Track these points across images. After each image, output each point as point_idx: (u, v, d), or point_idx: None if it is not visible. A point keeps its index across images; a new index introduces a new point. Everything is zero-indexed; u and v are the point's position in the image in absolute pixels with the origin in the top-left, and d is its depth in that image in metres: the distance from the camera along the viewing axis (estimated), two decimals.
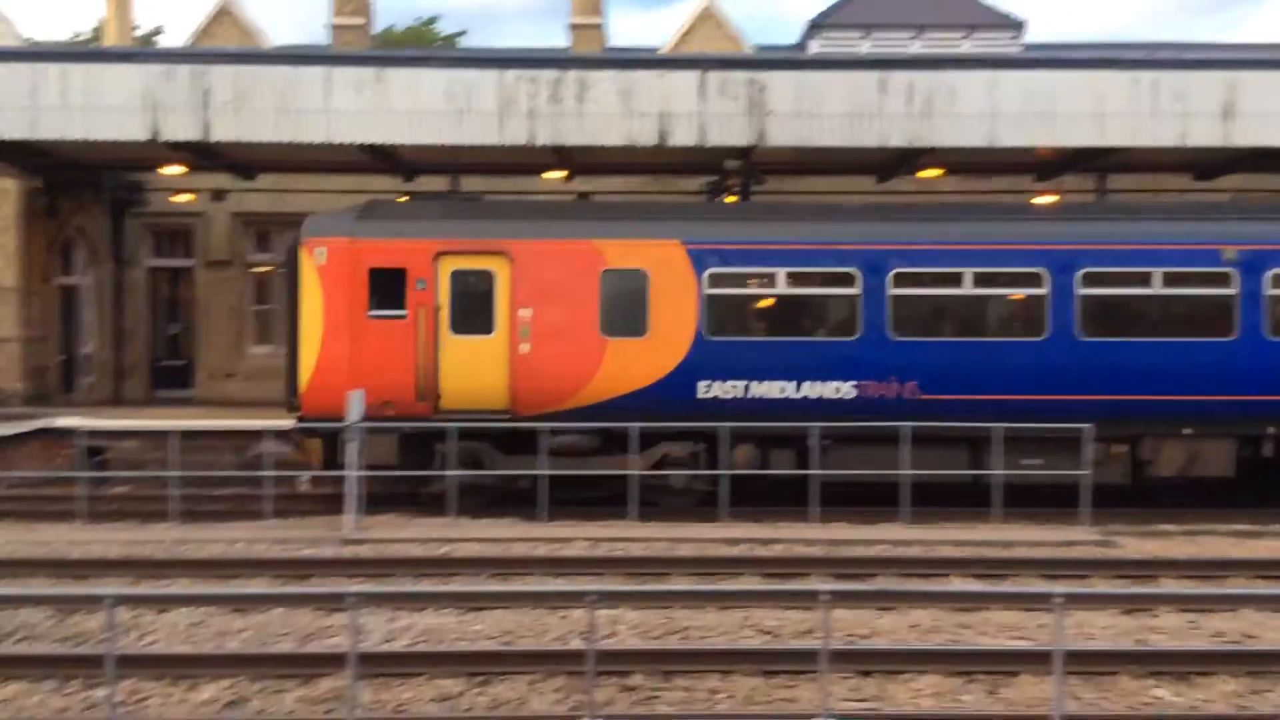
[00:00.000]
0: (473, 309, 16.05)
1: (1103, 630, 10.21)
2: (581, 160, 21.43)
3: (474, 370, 15.94)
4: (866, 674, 8.83)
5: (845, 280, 16.25)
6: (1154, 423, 16.12)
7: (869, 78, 18.23)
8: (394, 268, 15.92)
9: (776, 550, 13.41)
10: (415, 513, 15.80)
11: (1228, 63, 18.97)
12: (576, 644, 9.64)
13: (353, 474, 14.48)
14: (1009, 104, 18.18)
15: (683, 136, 18.22)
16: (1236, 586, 12.11)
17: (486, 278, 16.10)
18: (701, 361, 16.00)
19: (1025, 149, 18.83)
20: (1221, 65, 18.67)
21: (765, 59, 19.86)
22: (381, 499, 15.88)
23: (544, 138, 18.31)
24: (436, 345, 15.92)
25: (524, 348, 15.94)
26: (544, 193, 25.35)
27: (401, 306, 15.90)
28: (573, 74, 18.38)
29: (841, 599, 7.03)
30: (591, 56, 22.68)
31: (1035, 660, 8.84)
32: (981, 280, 16.32)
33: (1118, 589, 11.72)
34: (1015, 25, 28.75)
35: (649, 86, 18.28)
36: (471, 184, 23.62)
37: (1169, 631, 10.20)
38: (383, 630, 10.04)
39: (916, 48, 27.63)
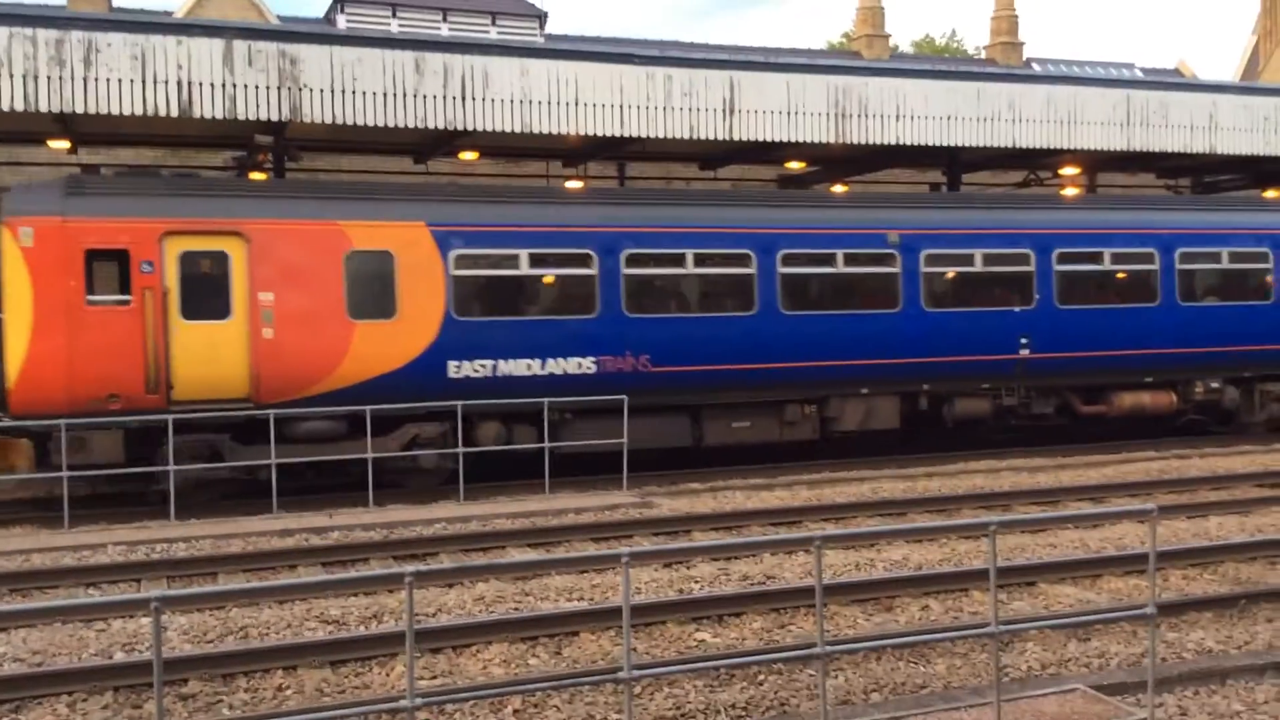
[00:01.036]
0: (206, 292, 15.08)
1: (648, 584, 11.02)
2: (90, 129, 19.51)
3: (210, 357, 15.01)
4: (436, 650, 8.93)
5: (583, 261, 16.82)
6: (838, 385, 18.11)
7: (406, 57, 18.12)
8: (115, 249, 14.71)
9: (333, 538, 13.12)
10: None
11: (728, 63, 20.84)
12: (121, 656, 8.92)
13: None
14: (539, 91, 18.88)
15: (209, 108, 17.13)
16: (754, 535, 13.55)
17: (221, 260, 15.23)
18: (451, 342, 16.01)
19: (556, 135, 19.63)
20: (724, 65, 20.52)
21: (296, 31, 19.05)
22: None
23: (46, 104, 16.45)
24: (166, 332, 14.80)
25: (267, 332, 15.19)
26: (43, 163, 22.92)
27: (125, 291, 14.73)
28: (77, 34, 16.61)
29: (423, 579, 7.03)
30: (98, 16, 20.55)
31: (593, 619, 9.42)
32: (700, 261, 17.51)
33: (663, 545, 12.61)
34: (538, 16, 29.89)
35: (168, 53, 16.96)
36: None
37: (704, 579, 11.22)
38: None
39: (445, 30, 27.90)
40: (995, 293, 19.23)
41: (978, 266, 19.13)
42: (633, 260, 17.16)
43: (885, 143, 20.74)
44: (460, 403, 15.71)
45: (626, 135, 19.66)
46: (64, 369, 14.39)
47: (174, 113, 16.97)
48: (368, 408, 15.20)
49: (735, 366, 17.38)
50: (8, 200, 14.83)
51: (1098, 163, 25.43)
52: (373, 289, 15.87)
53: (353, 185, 18.86)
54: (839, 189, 25.02)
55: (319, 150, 22.37)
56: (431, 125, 18.39)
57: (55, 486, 14.56)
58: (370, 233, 15.99)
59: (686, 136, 19.74)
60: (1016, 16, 36.40)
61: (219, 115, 17.21)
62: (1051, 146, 21.95)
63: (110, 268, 14.81)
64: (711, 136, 19.87)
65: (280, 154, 20.17)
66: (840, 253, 18.26)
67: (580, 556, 10.10)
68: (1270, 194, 26.88)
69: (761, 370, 17.55)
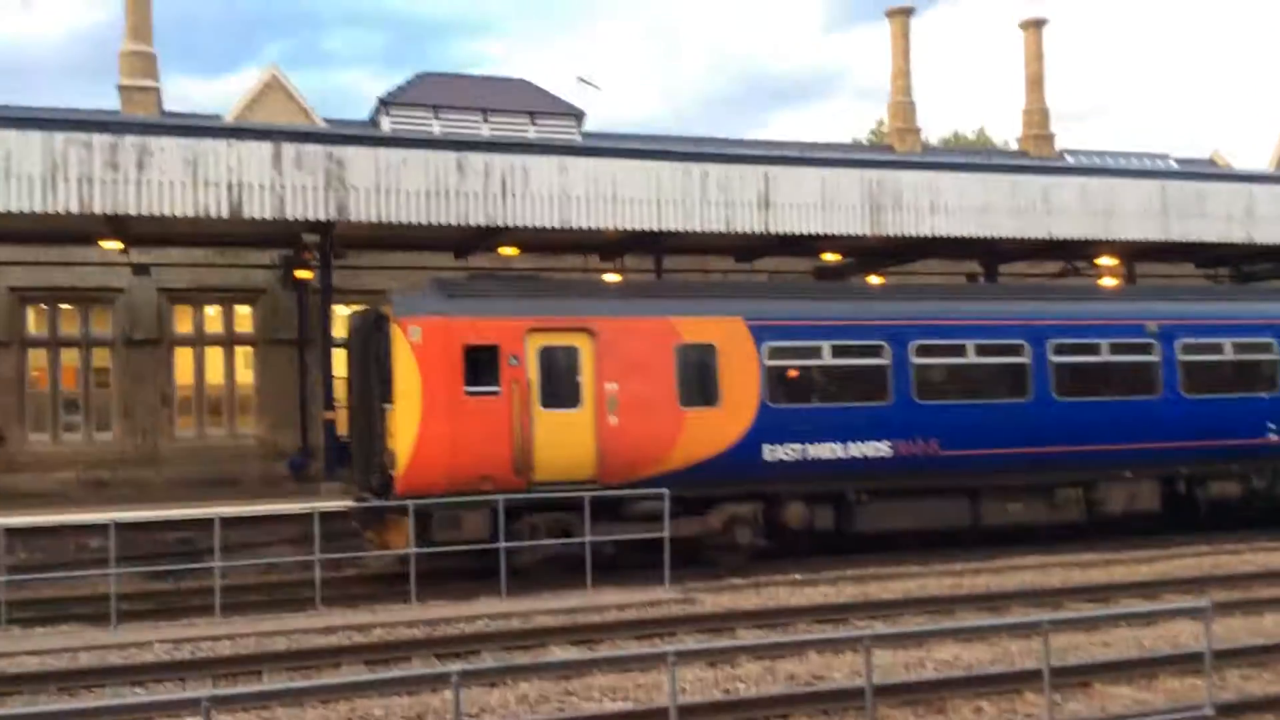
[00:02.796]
0: (561, 383, 16.37)
1: (692, 684, 10.85)
2: (142, 230, 20.05)
3: (564, 442, 16.18)
4: None
5: (876, 351, 17.87)
6: (1104, 469, 18.87)
7: (448, 158, 18.62)
8: (487, 344, 16.04)
9: (375, 635, 13.06)
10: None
11: (763, 158, 21.23)
12: None
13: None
14: (577, 187, 19.27)
15: (258, 208, 17.60)
16: (799, 633, 13.36)
17: (572, 354, 16.49)
18: (766, 427, 17.01)
19: (594, 230, 19.96)
20: (758, 160, 20.89)
21: (342, 134, 19.66)
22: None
23: (100, 206, 16.98)
24: (530, 419, 15.96)
25: (612, 419, 16.36)
26: (96, 264, 23.53)
27: (496, 383, 16.01)
28: (130, 139, 17.22)
29: (472, 677, 7.02)
30: (151, 121, 21.33)
31: None
32: (980, 350, 18.56)
33: (708, 642, 12.44)
34: (576, 114, 30.52)
35: (218, 155, 17.51)
36: (11, 253, 21.44)
37: (750, 678, 11.04)
38: None
39: (486, 131, 28.55)
40: (1243, 379, 20.02)
41: (1228, 355, 19.98)
42: (921, 350, 18.10)
43: (920, 234, 20.93)
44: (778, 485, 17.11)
45: (663, 229, 20.00)
46: (447, 453, 15.66)
47: (224, 214, 17.48)
48: (703, 488, 16.63)
49: (1012, 450, 18.17)
50: (399, 302, 16.17)
51: (1135, 253, 25.48)
52: (699, 379, 17.02)
53: (681, 285, 20.92)
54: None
55: (363, 247, 22.82)
56: (473, 222, 18.83)
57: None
58: (697, 327, 17.13)
59: (722, 230, 20.09)
60: (1047, 110, 36.78)
61: (268, 215, 17.71)
62: (1087, 237, 22.05)
63: (483, 362, 16.06)
64: (747, 229, 20.21)
65: (326, 252, 20.60)
66: (1104, 342, 19.17)
67: (625, 655, 10.01)
68: None
69: (1035, 454, 18.32)
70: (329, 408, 20.94)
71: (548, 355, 16.38)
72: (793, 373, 17.72)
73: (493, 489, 15.61)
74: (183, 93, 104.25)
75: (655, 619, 13.65)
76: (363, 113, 30.67)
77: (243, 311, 25.84)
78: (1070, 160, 34.07)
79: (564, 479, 16.08)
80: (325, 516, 15.63)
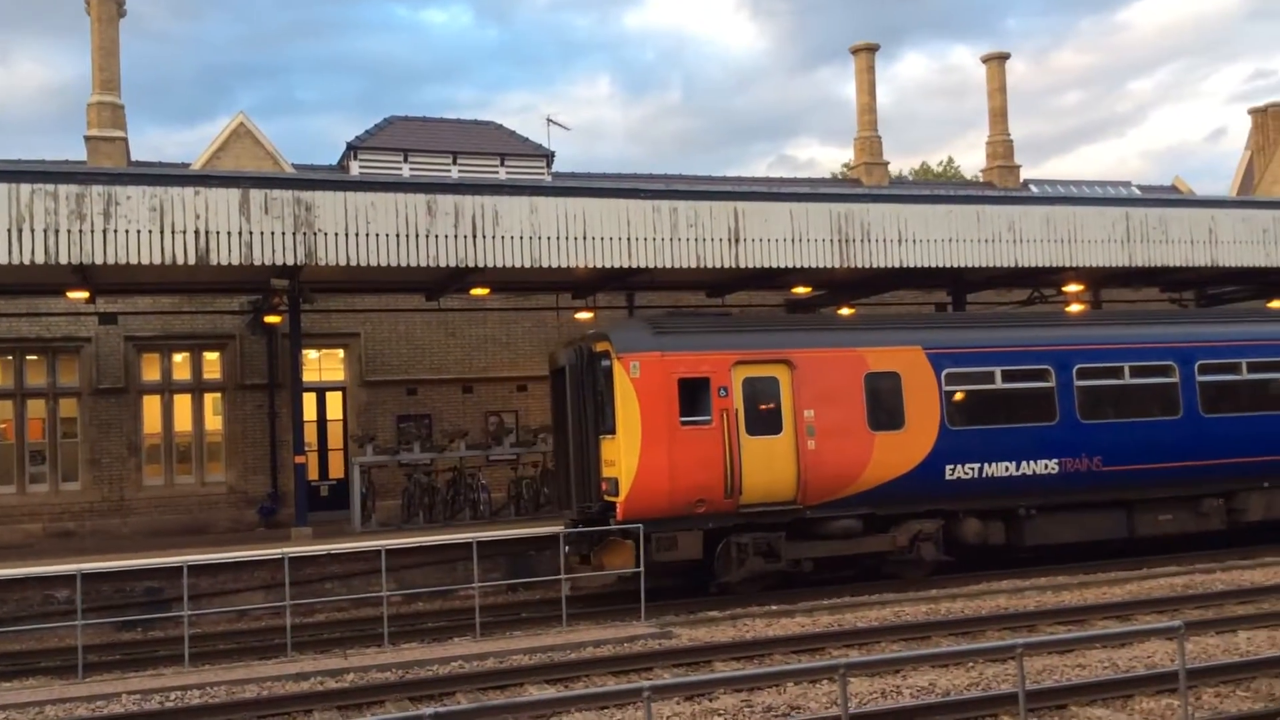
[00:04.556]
0: (764, 412, 17.58)
1: (671, 718, 10.78)
2: (109, 279, 19.95)
3: (768, 467, 17.40)
4: None
5: (1043, 375, 19.31)
6: (1244, 480, 20.27)
7: (417, 200, 18.59)
8: (699, 377, 17.29)
9: (348, 680, 12.91)
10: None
11: (732, 194, 21.30)
12: None
13: None
14: (548, 227, 19.28)
15: (226, 255, 17.54)
16: (776, 664, 13.30)
17: (773, 384, 17.71)
18: (947, 448, 18.32)
19: (566, 269, 19.96)
20: (728, 196, 20.96)
21: (311, 179, 19.58)
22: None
23: (66, 256, 16.87)
24: (739, 446, 17.10)
25: (810, 444, 17.59)
26: (63, 314, 23.42)
27: (707, 413, 17.25)
28: (97, 189, 17.13)
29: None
30: (117, 171, 21.24)
31: None
32: (1134, 372, 19.93)
33: (684, 677, 12.36)
34: (546, 155, 30.62)
35: (185, 202, 17.44)
36: None
37: (727, 711, 10.98)
38: None
39: (455, 173, 28.62)
40: None
41: None
42: (1082, 373, 19.43)
43: (889, 265, 21.06)
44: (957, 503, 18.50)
45: (634, 266, 20.01)
46: (667, 480, 16.84)
47: (191, 261, 17.38)
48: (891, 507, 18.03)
49: (1163, 465, 19.57)
50: (617, 338, 17.32)
51: (1101, 279, 25.72)
52: (886, 404, 18.26)
53: (868, 318, 22.52)
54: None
55: (333, 291, 22.77)
56: (444, 264, 18.79)
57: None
58: (883, 357, 18.44)
59: (693, 265, 20.08)
60: (1011, 140, 37.22)
61: (235, 261, 17.62)
62: (1053, 265, 22.25)
63: (694, 393, 17.27)
64: (718, 265, 20.21)
65: (295, 296, 20.53)
66: (1244, 361, 20.67)
67: (601, 692, 9.92)
68: None
69: (1183, 469, 19.71)
70: (299, 452, 20.80)
71: (751, 386, 17.64)
72: (969, 397, 19.01)
73: (706, 511, 17.08)
74: (155, 144, 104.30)
75: (632, 654, 13.57)
76: (333, 158, 30.68)
77: (211, 358, 25.68)
78: (1035, 190, 34.44)
79: (768, 500, 17.44)
80: (294, 562, 15.49)
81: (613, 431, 17.11)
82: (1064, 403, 19.21)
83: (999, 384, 19.13)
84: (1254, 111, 43.68)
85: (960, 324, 21.24)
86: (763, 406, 17.65)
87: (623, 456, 16.88)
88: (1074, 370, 19.37)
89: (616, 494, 16.94)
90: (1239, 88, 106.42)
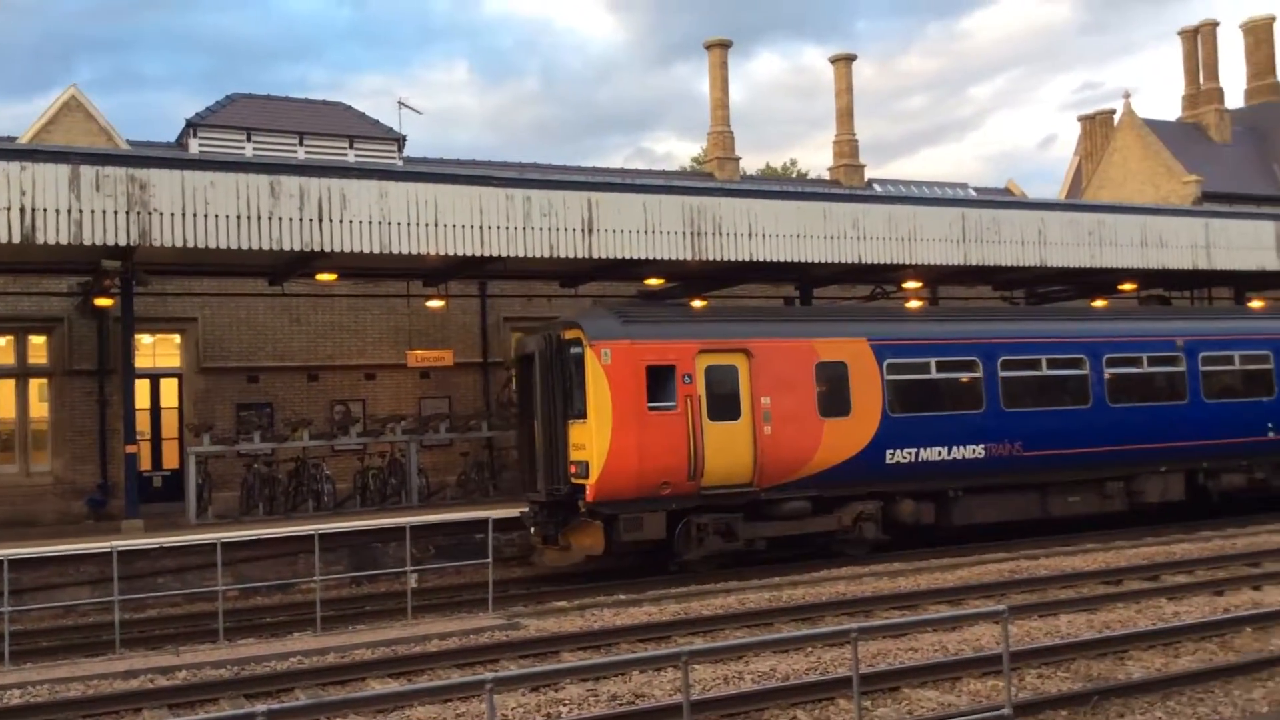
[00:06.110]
0: (724, 398, 18.33)
1: (515, 710, 10.73)
2: None
3: (727, 450, 18.17)
4: None
5: (971, 366, 20.65)
6: (1143, 465, 22.10)
7: (260, 180, 18.03)
8: (665, 364, 17.96)
9: (180, 678, 12.45)
10: None
11: (587, 184, 21.30)
12: None
13: None
14: (398, 213, 18.93)
15: (54, 233, 16.67)
16: (622, 653, 13.39)
17: (733, 371, 18.50)
18: (888, 434, 19.44)
19: (416, 256, 19.64)
20: (582, 186, 20.96)
21: (147, 156, 18.70)
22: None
23: None
24: (702, 431, 17.79)
25: (766, 429, 18.44)
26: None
27: (673, 399, 17.93)
28: None
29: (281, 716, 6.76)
30: None
31: None
32: (1050, 364, 21.49)
33: (529, 668, 12.34)
34: (397, 139, 30.04)
35: (10, 178, 16.51)
36: None
37: (573, 701, 11.01)
38: None
39: (301, 154, 27.83)
40: (1248, 386, 23.64)
41: (1237, 365, 23.67)
42: (1006, 365, 20.85)
43: (739, 259, 21.41)
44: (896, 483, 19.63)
45: (487, 255, 19.84)
46: (635, 463, 17.47)
47: (16, 239, 16.50)
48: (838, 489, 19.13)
49: (1074, 450, 21.22)
50: (589, 326, 17.83)
51: (938, 276, 26.69)
52: (835, 392, 19.28)
53: (818, 310, 23.83)
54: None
55: (169, 274, 21.90)
56: (288, 247, 18.28)
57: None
58: (831, 347, 19.50)
59: (547, 255, 20.02)
60: (857, 140, 38.26)
61: (64, 241, 16.80)
62: (894, 262, 22.99)
63: (661, 380, 17.92)
64: (571, 254, 20.20)
65: (128, 279, 19.68)
66: (1144, 356, 22.55)
67: (442, 685, 9.80)
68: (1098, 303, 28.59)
69: (1091, 454, 21.43)
70: (131, 441, 19.95)
71: (713, 373, 18.40)
72: (908, 386, 20.11)
73: (670, 494, 17.80)
74: None
75: (478, 646, 13.47)
76: (173, 136, 29.44)
77: (37, 341, 24.41)
78: (878, 189, 35.48)
79: (727, 483, 18.24)
80: (124, 555, 14.87)
81: (583, 416, 17.65)
82: (989, 392, 20.66)
83: (934, 374, 20.45)
84: (1083, 119, 46.11)
85: (901, 318, 23.09)
86: (723, 393, 18.36)
87: (594, 440, 17.43)
88: (999, 361, 20.81)
89: (586, 476, 17.48)
90: (1069, 97, 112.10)
